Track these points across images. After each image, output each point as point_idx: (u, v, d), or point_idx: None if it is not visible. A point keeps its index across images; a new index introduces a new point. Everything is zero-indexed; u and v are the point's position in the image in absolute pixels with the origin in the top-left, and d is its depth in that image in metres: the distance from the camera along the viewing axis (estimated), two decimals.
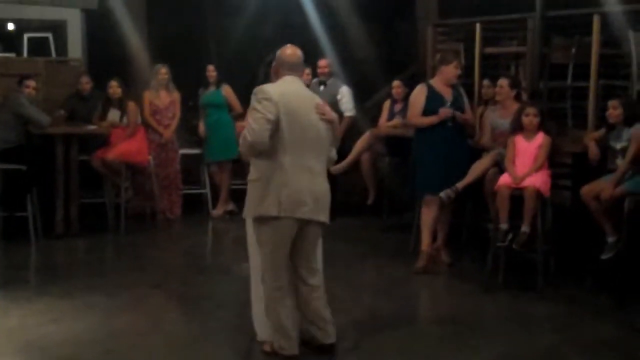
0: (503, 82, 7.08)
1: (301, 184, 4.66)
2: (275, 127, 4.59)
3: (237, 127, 5.02)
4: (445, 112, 6.80)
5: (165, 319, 5.84)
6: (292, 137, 4.63)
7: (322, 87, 8.94)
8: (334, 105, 8.73)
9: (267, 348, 4.95)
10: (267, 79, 4.99)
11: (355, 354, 5.07)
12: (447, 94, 6.92)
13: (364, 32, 10.63)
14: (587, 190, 6.31)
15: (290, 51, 4.86)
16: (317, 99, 4.91)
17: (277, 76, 4.85)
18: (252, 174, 4.76)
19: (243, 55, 10.13)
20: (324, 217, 4.81)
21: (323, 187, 4.81)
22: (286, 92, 4.69)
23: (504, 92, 7.02)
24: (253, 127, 4.56)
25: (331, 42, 9.99)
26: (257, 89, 4.67)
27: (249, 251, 5.09)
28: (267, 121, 4.55)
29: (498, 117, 7.06)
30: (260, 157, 4.67)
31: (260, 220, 4.72)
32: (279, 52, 4.87)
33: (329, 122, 4.81)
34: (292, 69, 4.83)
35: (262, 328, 5.04)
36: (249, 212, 4.79)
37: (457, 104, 6.90)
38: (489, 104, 7.66)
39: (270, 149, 4.61)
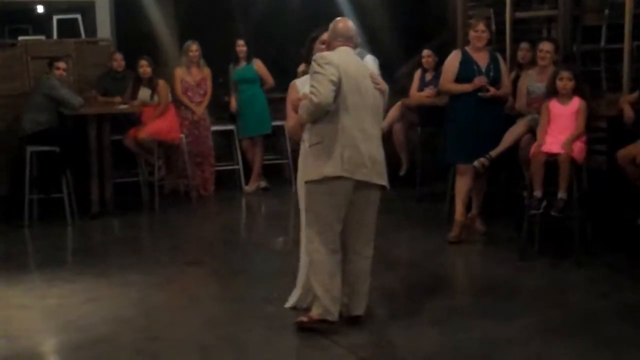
0: (549, 46, 6.92)
1: (361, 146, 4.77)
2: (338, 89, 4.72)
3: (292, 101, 5.07)
4: (479, 80, 6.71)
5: (202, 295, 5.87)
6: (352, 101, 4.77)
7: None
8: None
9: (304, 319, 4.91)
10: (309, 56, 5.13)
11: (390, 323, 5.07)
12: (482, 61, 6.82)
13: (392, 1, 10.51)
14: (623, 154, 6.22)
15: (343, 24, 5.00)
16: (370, 69, 5.09)
17: (331, 48, 4.96)
18: (313, 139, 4.84)
19: (270, 29, 10.08)
20: (382, 180, 4.90)
21: (380, 151, 4.92)
22: (344, 58, 4.84)
23: (549, 56, 6.89)
24: (319, 89, 4.69)
25: (358, 12, 9.89)
26: (317, 56, 4.82)
27: (302, 219, 5.11)
28: (331, 82, 4.68)
29: (536, 82, 6.94)
30: (321, 121, 4.78)
31: (321, 182, 4.78)
32: (331, 25, 5.00)
33: (381, 91, 4.96)
34: (346, 40, 4.96)
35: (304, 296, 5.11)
36: (312, 174, 4.84)
37: (491, 72, 6.80)
38: (523, 68, 7.51)
39: (332, 112, 4.73)
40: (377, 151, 4.89)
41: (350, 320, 4.97)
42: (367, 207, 4.91)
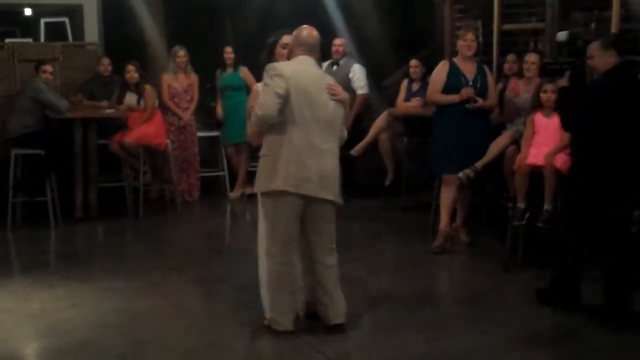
0: (534, 58, 6.97)
1: (308, 161, 4.74)
2: (285, 102, 4.66)
3: (249, 108, 5.05)
4: (466, 92, 6.74)
5: (185, 301, 5.86)
6: (301, 115, 4.71)
7: (335, 67, 8.90)
8: (347, 84, 8.69)
9: (266, 322, 5.03)
10: (270, 60, 5.08)
11: (374, 331, 5.08)
12: (470, 72, 6.86)
13: (380, 11, 10.54)
14: None
15: (307, 32, 4.90)
16: (329, 79, 4.98)
17: (292, 55, 4.90)
18: (263, 150, 4.86)
19: (259, 36, 10.07)
20: (331, 195, 4.86)
21: (330, 165, 4.86)
22: (298, 70, 4.77)
23: (535, 68, 6.93)
24: (264, 100, 4.66)
25: (346, 21, 9.92)
26: (269, 66, 4.77)
27: (259, 226, 5.15)
28: (276, 95, 4.63)
29: (524, 93, 6.99)
30: (269, 133, 4.75)
31: (268, 194, 4.83)
32: (295, 32, 4.93)
33: (341, 102, 4.88)
34: (309, 49, 4.89)
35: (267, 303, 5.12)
36: (261, 186, 4.88)
37: (478, 83, 6.84)
38: (509, 79, 7.55)
39: (279, 125, 4.69)
40: (328, 166, 4.83)
41: (332, 329, 4.97)
42: (320, 220, 4.90)
